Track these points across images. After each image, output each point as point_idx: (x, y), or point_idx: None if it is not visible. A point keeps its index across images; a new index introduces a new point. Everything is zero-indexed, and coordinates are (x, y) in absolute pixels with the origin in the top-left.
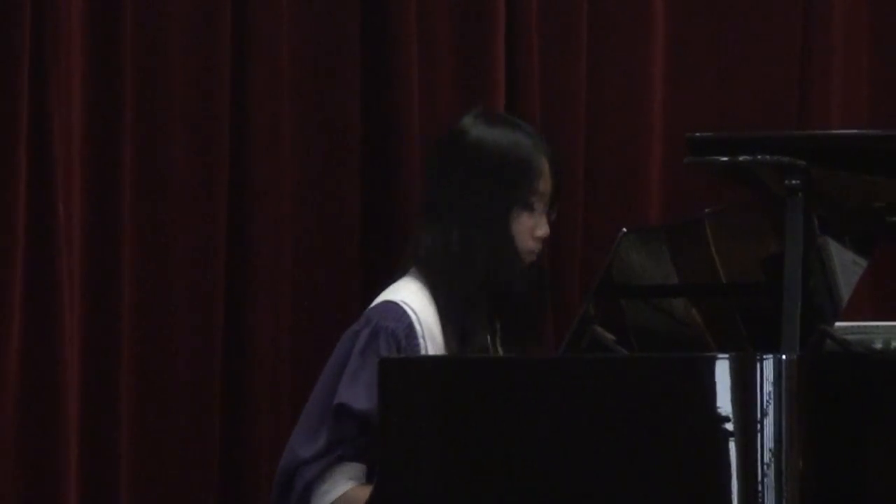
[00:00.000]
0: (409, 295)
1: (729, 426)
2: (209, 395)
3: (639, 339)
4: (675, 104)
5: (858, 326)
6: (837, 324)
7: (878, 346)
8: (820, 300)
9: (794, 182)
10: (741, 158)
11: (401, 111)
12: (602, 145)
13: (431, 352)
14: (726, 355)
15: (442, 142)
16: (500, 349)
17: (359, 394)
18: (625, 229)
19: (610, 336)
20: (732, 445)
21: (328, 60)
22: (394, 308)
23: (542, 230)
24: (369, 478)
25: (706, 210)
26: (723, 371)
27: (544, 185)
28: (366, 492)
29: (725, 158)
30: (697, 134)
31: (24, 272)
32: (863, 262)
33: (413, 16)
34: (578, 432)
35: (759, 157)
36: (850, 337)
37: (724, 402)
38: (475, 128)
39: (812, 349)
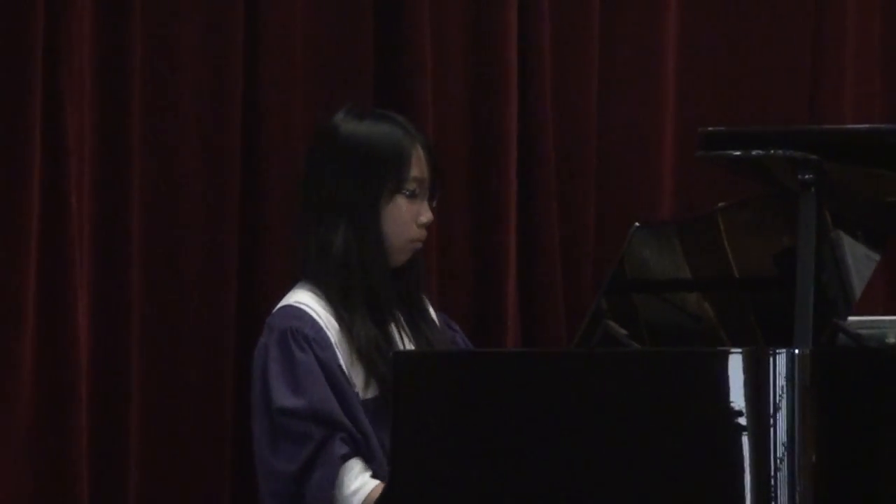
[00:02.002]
0: (302, 297)
1: (742, 420)
2: (221, 392)
3: (651, 333)
4: (687, 98)
5: (871, 321)
6: (850, 318)
7: (892, 340)
8: (833, 294)
9: (806, 176)
10: (754, 153)
11: (413, 102)
12: (614, 140)
13: (336, 340)
14: (739, 350)
15: (313, 142)
16: (405, 337)
17: (285, 393)
18: (637, 224)
19: (622, 330)
20: (745, 440)
21: (341, 57)
22: (291, 310)
23: (425, 217)
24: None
25: (719, 204)
26: (735, 365)
27: (418, 170)
28: None
29: (738, 153)
30: (710, 128)
31: (37, 268)
32: (875, 257)
33: (426, 4)
34: (590, 426)
35: (771, 151)
36: (862, 331)
37: (736, 397)
38: (344, 123)
39: (825, 343)
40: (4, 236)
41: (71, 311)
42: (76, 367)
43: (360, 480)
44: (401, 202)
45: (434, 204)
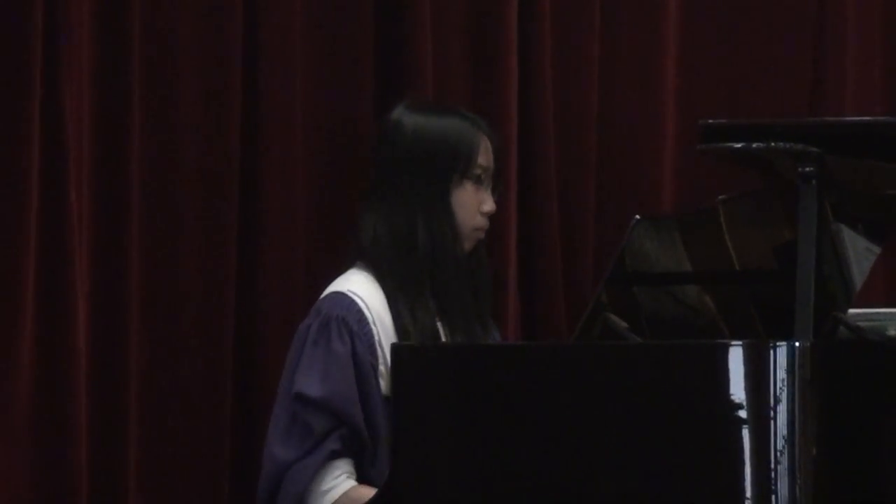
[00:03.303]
0: (356, 284)
1: (742, 413)
2: (221, 389)
3: (652, 326)
4: (687, 91)
5: (871, 313)
6: (850, 311)
7: (892, 332)
8: (833, 287)
9: (807, 169)
10: (754, 145)
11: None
12: (615, 133)
13: (382, 337)
14: (739, 342)
15: (378, 133)
16: (445, 331)
17: (313, 381)
18: (638, 216)
19: (623, 323)
20: (745, 432)
21: (341, 56)
22: (341, 298)
23: (489, 205)
24: (358, 472)
25: (719, 197)
26: (736, 358)
27: (485, 158)
28: (367, 491)
29: (739, 145)
30: (710, 121)
31: (36, 266)
32: (876, 249)
33: (427, 6)
34: (590, 419)
35: (772, 144)
36: (863, 324)
37: (737, 390)
38: (410, 116)
39: (825, 336)
40: (4, 234)
41: (70, 308)
42: (76, 364)
43: (335, 481)
44: (468, 187)
45: (496, 197)
